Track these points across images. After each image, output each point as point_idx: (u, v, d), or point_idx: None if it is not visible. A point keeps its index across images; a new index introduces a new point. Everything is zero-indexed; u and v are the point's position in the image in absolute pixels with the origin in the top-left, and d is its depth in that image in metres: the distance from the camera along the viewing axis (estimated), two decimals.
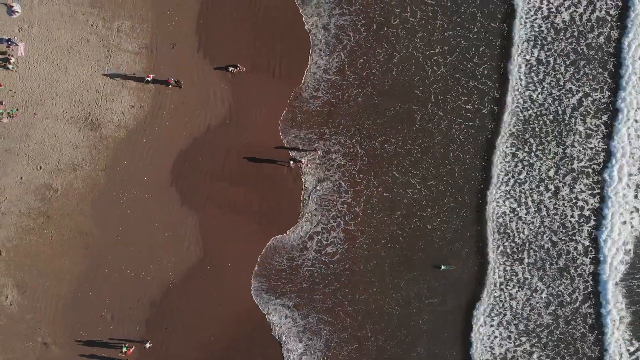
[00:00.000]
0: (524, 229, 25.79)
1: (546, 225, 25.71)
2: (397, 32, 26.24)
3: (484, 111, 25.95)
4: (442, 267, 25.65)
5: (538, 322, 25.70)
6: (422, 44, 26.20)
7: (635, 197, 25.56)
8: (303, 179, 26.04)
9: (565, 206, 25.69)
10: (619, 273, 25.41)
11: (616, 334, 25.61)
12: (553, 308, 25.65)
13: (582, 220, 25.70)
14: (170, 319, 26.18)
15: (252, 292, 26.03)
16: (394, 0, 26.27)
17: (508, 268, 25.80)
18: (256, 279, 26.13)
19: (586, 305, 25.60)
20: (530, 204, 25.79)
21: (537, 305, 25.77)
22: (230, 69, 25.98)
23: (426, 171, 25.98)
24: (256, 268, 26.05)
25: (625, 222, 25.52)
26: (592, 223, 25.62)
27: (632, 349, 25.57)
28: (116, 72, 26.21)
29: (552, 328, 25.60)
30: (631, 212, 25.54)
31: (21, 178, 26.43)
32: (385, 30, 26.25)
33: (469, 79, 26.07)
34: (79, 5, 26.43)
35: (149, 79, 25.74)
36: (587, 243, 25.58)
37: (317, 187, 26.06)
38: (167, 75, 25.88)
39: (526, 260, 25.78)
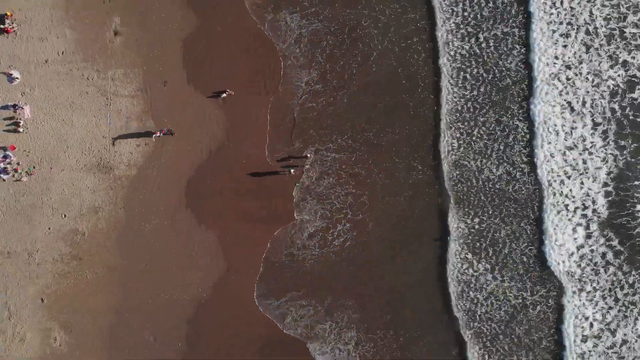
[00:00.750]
0: None
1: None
2: (370, 31, 28.98)
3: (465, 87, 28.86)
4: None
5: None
6: (397, 37, 28.95)
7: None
8: (301, 180, 28.62)
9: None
10: None
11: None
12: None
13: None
14: (208, 331, 28.58)
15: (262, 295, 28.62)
16: (360, 4, 29.02)
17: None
18: (270, 278, 28.70)
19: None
20: None
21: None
22: (222, 95, 28.49)
23: (427, 153, 28.69)
24: (266, 268, 28.67)
25: None
26: None
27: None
28: (119, 120, 28.67)
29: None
30: None
31: (49, 228, 28.70)
32: (357, 32, 28.93)
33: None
34: (73, 62, 28.76)
35: (157, 135, 28.17)
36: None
37: (318, 185, 28.66)
38: (161, 126, 28.24)
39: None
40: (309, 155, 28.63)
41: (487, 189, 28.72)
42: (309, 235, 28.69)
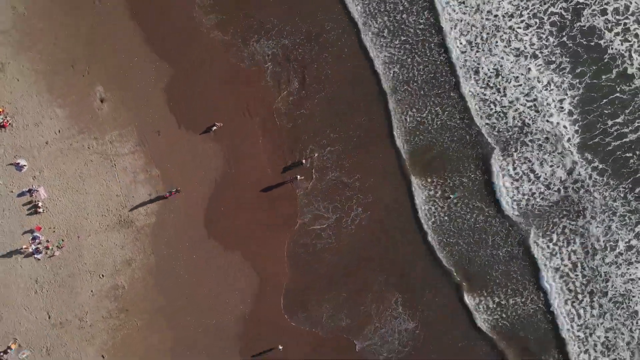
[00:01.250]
0: None
1: None
2: (334, 33, 31.60)
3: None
4: (452, 195, 31.10)
5: None
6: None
7: None
8: (304, 185, 31.18)
9: None
10: None
11: None
12: None
13: None
14: (259, 340, 31.02)
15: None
16: (319, 12, 31.62)
17: None
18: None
19: None
20: None
21: None
22: (213, 128, 30.92)
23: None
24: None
25: None
26: None
27: None
28: (127, 177, 31.08)
29: None
30: None
31: (91, 291, 31.03)
32: (323, 36, 31.49)
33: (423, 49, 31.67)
34: (71, 137, 31.07)
35: (167, 196, 30.78)
36: None
37: (324, 181, 31.21)
38: (167, 182, 30.90)
39: None
40: (306, 160, 31.11)
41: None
42: (326, 226, 31.17)
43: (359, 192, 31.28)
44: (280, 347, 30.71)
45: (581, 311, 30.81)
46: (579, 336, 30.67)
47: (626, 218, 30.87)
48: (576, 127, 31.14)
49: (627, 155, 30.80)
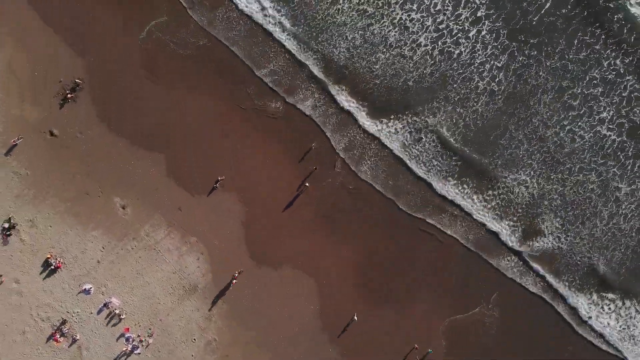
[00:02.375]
0: None
1: None
2: None
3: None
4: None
5: None
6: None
7: None
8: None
9: None
10: None
11: None
12: None
13: None
14: (338, 323, 36.64)
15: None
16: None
17: None
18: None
19: None
20: None
21: None
22: (217, 183, 36.33)
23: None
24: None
25: None
26: None
27: None
28: (173, 255, 36.43)
29: None
30: None
31: (192, 355, 36.36)
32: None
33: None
34: (115, 247, 36.25)
35: (234, 283, 36.16)
36: None
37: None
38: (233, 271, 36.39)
39: None
40: (315, 168, 36.79)
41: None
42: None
43: None
44: (355, 317, 36.33)
45: None
46: None
47: None
48: None
49: None
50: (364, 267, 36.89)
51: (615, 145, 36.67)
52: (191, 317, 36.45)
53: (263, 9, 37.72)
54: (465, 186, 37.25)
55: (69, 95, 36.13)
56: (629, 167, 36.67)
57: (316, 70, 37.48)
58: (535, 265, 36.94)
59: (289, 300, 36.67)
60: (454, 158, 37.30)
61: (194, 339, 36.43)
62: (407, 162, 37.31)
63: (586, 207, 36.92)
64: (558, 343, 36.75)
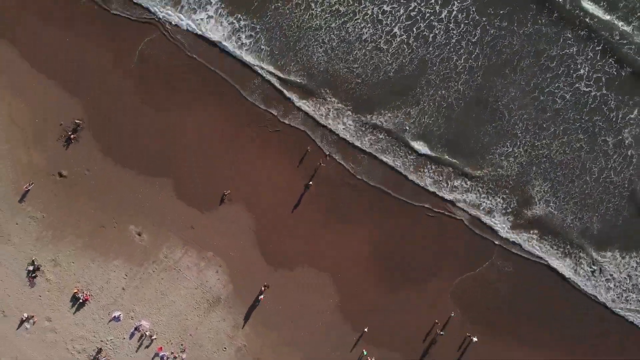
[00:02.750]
0: None
1: None
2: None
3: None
4: None
5: None
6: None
7: None
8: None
9: None
10: None
11: None
12: None
13: None
14: (360, 308, 38.23)
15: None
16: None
17: None
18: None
19: None
20: None
21: None
22: (224, 197, 37.97)
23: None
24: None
25: None
26: None
27: None
28: (192, 271, 38.09)
29: None
30: None
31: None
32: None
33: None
34: (137, 273, 37.96)
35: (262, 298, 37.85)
36: None
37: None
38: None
39: None
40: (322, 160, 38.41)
41: None
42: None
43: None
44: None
45: None
46: None
47: None
48: None
49: None
50: (374, 254, 38.56)
51: (597, 100, 37.95)
52: (219, 328, 38.07)
53: (235, 31, 38.96)
54: (452, 169, 38.75)
55: (71, 136, 37.84)
56: (613, 119, 38.00)
57: (299, 79, 38.89)
58: (530, 234, 38.55)
59: (309, 297, 38.25)
60: (439, 144, 38.80)
61: (225, 348, 38.05)
62: (391, 163, 38.88)
63: (575, 166, 38.32)
64: (561, 303, 38.44)
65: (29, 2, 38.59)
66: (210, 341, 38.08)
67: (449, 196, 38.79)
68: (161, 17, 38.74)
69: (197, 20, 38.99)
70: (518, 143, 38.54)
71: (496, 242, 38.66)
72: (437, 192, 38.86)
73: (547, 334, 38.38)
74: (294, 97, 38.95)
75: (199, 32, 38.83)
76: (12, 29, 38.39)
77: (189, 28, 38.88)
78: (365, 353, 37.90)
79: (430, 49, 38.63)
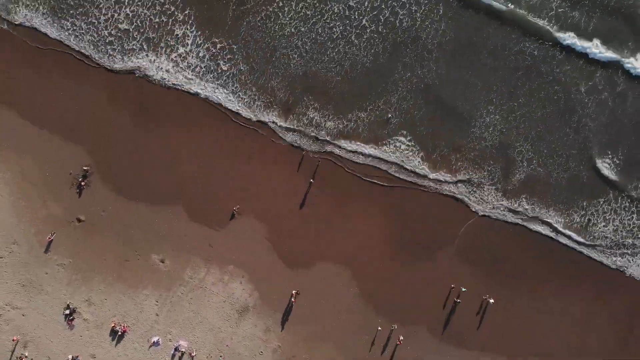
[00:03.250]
0: None
1: None
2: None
3: None
4: None
5: None
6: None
7: None
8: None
9: None
10: None
11: None
12: None
13: None
14: (382, 293, 40.55)
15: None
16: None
17: None
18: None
19: None
20: None
21: None
22: (235, 212, 40.29)
23: None
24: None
25: None
26: None
27: None
28: (218, 286, 40.40)
29: None
30: None
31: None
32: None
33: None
34: (167, 297, 40.27)
35: (294, 299, 40.08)
36: None
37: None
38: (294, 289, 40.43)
39: None
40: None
41: None
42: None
43: None
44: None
45: None
46: None
47: None
48: None
49: None
50: (383, 238, 40.84)
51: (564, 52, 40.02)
52: (252, 334, 40.38)
53: (214, 57, 41.39)
54: (436, 155, 41.07)
55: (82, 183, 40.18)
56: (583, 66, 39.96)
57: (282, 94, 41.15)
58: (520, 198, 41.15)
59: (330, 290, 40.53)
60: (422, 128, 41.04)
61: (261, 352, 40.34)
62: (381, 155, 41.10)
63: (554, 119, 40.52)
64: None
65: (17, 66, 40.92)
66: (247, 348, 40.37)
67: (442, 178, 40.98)
68: (142, 65, 41.13)
69: (178, 73, 41.28)
70: (495, 110, 40.66)
71: (481, 214, 40.92)
72: (429, 175, 41.23)
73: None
74: (277, 120, 41.19)
75: (183, 88, 41.19)
76: (6, 93, 40.73)
77: (172, 84, 41.26)
78: (395, 327, 40.17)
79: (399, 32, 40.49)
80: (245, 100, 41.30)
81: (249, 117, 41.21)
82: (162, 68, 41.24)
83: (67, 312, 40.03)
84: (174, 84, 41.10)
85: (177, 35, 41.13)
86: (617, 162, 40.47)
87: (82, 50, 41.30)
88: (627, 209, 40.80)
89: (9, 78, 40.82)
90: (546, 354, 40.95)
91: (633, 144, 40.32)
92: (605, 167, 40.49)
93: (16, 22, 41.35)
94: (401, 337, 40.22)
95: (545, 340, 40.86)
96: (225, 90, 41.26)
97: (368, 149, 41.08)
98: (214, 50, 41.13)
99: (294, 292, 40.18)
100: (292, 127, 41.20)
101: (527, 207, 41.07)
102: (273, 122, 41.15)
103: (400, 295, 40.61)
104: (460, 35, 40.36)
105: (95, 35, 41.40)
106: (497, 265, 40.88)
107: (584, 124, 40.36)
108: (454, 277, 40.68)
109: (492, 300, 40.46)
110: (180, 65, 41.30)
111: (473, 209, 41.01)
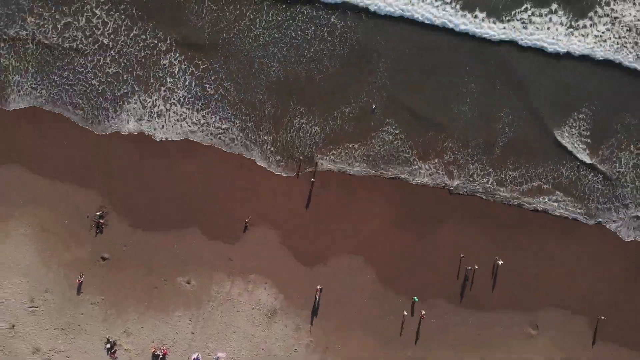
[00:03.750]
0: None
1: None
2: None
3: None
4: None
5: None
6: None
7: None
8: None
9: None
10: None
11: None
12: None
13: None
14: (398, 278, 43.02)
15: None
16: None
17: None
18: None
19: None
20: None
21: None
22: (247, 224, 42.65)
23: None
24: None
25: None
26: None
27: None
28: (244, 296, 42.80)
29: None
30: None
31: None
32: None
33: None
34: (198, 316, 42.55)
35: (318, 295, 42.44)
36: None
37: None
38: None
39: None
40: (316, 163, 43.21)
41: None
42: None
43: None
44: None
45: None
46: None
47: None
48: None
49: None
50: (390, 221, 43.37)
51: None
52: (284, 334, 42.77)
53: (199, 80, 43.77)
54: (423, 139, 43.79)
55: (100, 222, 42.47)
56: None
57: (269, 107, 43.48)
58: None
59: (349, 280, 42.94)
60: (406, 113, 43.64)
61: (295, 349, 42.73)
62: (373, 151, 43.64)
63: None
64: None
65: (19, 126, 43.18)
66: (281, 348, 42.75)
67: (432, 168, 43.71)
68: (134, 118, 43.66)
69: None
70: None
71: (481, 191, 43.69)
72: (421, 170, 43.93)
73: None
74: (270, 147, 43.62)
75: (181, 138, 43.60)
76: (13, 152, 42.89)
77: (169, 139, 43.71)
78: (416, 299, 42.70)
79: (370, 21, 42.96)
80: (238, 124, 43.55)
81: (241, 151, 43.68)
82: (154, 112, 43.47)
83: (108, 345, 42.29)
84: (172, 139, 43.48)
85: (164, 64, 43.31)
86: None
87: (76, 110, 43.32)
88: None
89: (13, 138, 42.95)
90: (562, 305, 43.44)
91: None
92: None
93: (10, 109, 43.33)
94: (423, 312, 42.65)
95: (558, 291, 43.39)
96: (215, 117, 43.48)
97: (355, 168, 43.51)
98: (197, 73, 43.26)
99: (318, 287, 42.50)
100: (281, 159, 43.60)
101: (514, 174, 43.71)
102: (266, 151, 43.65)
103: (414, 273, 43.08)
104: None
105: (86, 86, 43.51)
106: (500, 227, 43.45)
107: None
108: (462, 247, 43.31)
109: (501, 262, 42.89)
110: (171, 101, 43.52)
111: (463, 186, 43.56)
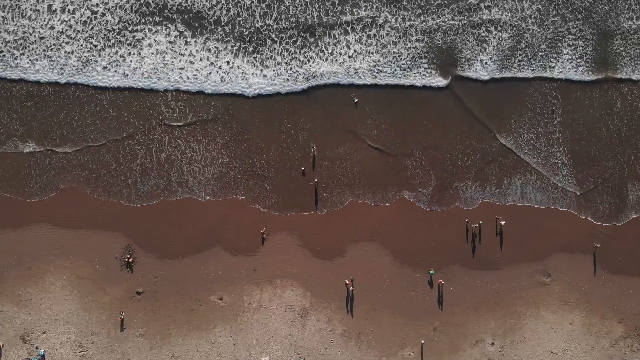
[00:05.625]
0: None
1: None
2: None
3: None
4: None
5: None
6: None
7: None
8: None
9: None
10: None
11: None
12: None
13: None
14: (416, 269, 46.06)
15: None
16: None
17: None
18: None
19: None
20: None
21: None
22: (264, 235, 45.73)
23: None
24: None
25: None
26: None
27: None
28: (263, 296, 45.78)
29: None
30: None
31: (339, 351, 45.49)
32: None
33: None
34: (235, 326, 45.40)
35: (352, 287, 45.33)
36: None
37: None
38: (348, 281, 45.63)
39: None
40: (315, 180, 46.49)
41: None
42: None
43: None
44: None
45: None
46: None
47: None
48: None
49: None
50: (398, 204, 46.73)
51: None
52: (318, 328, 45.67)
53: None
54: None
55: (130, 260, 45.49)
56: None
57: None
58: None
59: (367, 266, 45.97)
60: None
61: (332, 340, 45.62)
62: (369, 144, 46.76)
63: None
64: None
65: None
66: (318, 342, 45.63)
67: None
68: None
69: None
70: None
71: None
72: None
73: None
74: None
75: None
76: (36, 209, 45.96)
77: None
78: (432, 272, 45.64)
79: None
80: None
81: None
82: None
83: None
84: None
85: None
86: None
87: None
88: None
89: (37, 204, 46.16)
90: (568, 249, 46.47)
91: None
92: None
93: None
94: (440, 280, 45.64)
95: (561, 238, 46.49)
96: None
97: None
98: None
99: (347, 281, 45.61)
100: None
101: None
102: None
103: (426, 246, 46.28)
104: None
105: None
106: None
107: None
108: (467, 213, 46.80)
109: (503, 222, 45.96)
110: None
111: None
